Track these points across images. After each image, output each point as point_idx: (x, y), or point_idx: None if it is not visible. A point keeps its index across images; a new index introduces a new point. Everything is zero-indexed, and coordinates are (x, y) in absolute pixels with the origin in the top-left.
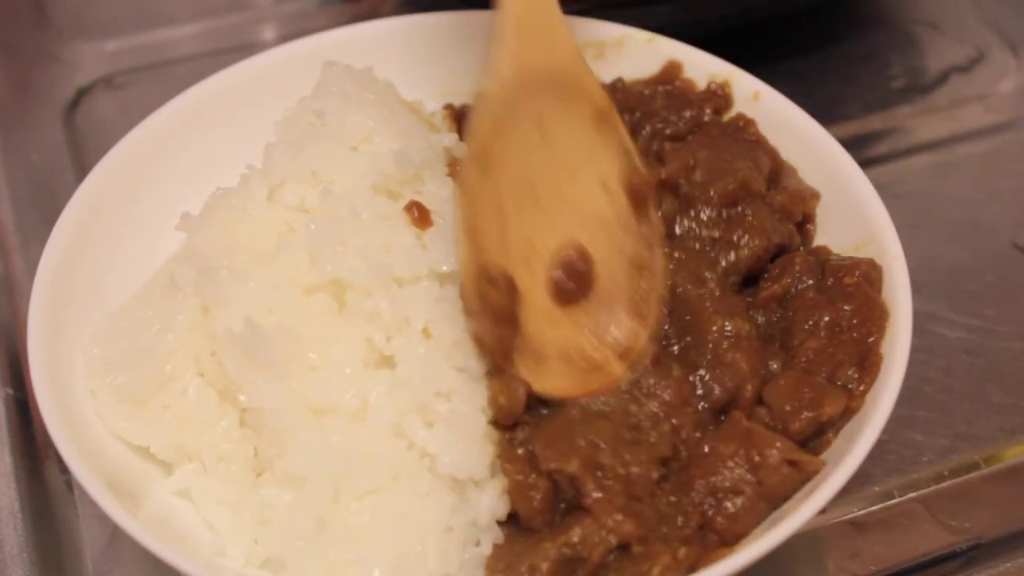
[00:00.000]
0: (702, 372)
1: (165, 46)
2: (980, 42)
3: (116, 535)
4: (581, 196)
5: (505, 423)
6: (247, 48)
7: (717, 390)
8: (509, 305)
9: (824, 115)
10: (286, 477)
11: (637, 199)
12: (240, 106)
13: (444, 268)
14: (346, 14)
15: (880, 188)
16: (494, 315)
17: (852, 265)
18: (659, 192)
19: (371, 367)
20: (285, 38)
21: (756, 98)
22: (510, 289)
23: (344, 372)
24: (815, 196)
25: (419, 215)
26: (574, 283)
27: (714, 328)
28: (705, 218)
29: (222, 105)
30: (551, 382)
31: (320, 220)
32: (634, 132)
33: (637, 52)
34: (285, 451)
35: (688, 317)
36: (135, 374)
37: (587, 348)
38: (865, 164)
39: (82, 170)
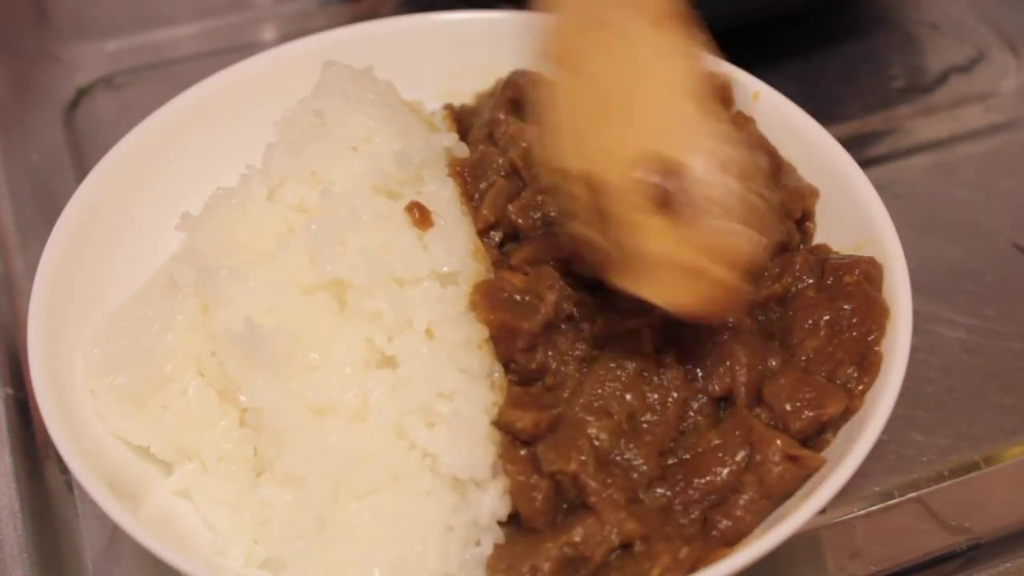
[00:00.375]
0: (701, 363)
1: (165, 46)
2: (980, 42)
3: (116, 535)
4: (660, 100)
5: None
6: (247, 48)
7: (715, 382)
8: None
9: (824, 115)
10: (286, 477)
11: (710, 99)
12: (240, 106)
13: (445, 269)
14: (346, 14)
15: (880, 188)
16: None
17: (852, 263)
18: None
19: (372, 367)
20: (285, 38)
21: (756, 98)
22: (593, 189)
23: (344, 372)
24: (814, 193)
25: (420, 216)
26: (667, 184)
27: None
28: None
29: (222, 105)
30: (663, 292)
31: (320, 220)
32: None
33: None
34: (285, 451)
35: None
36: (135, 374)
37: (697, 254)
38: (865, 164)
39: (82, 170)
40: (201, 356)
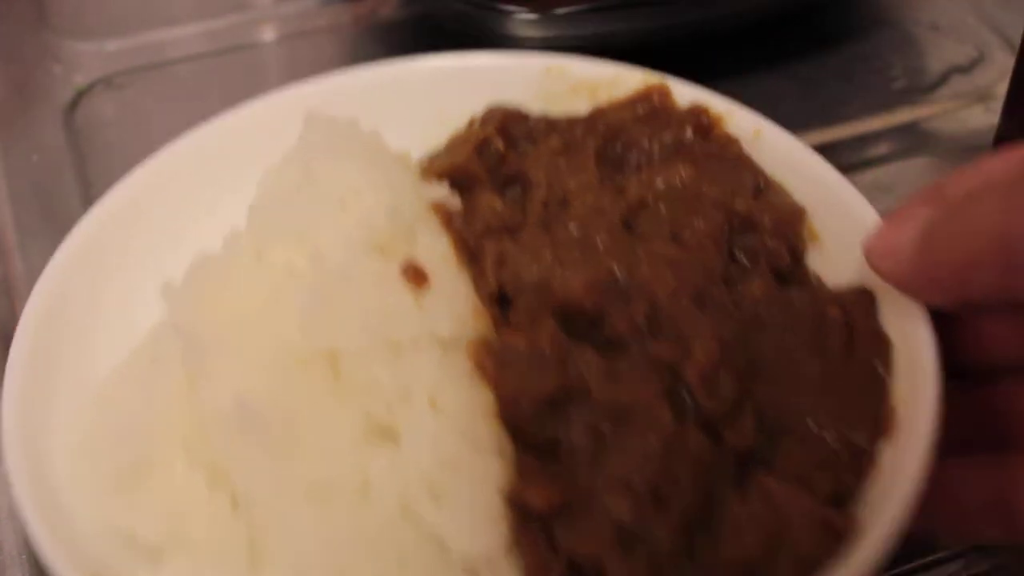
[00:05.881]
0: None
1: (165, 46)
2: (980, 42)
3: None
4: None
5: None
6: (247, 48)
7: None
8: None
9: (824, 115)
10: (284, 568)
11: None
12: (219, 164)
13: (445, 333)
14: (346, 14)
15: (881, 189)
16: None
17: (840, 295)
18: None
19: (372, 442)
20: (285, 38)
21: (757, 135)
22: None
23: (342, 449)
24: (802, 212)
25: (415, 275)
26: None
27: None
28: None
29: (199, 164)
30: None
31: (309, 285)
32: (620, 164)
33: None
34: (282, 538)
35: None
36: (119, 458)
37: None
38: (865, 164)
39: (82, 170)
40: (189, 436)
